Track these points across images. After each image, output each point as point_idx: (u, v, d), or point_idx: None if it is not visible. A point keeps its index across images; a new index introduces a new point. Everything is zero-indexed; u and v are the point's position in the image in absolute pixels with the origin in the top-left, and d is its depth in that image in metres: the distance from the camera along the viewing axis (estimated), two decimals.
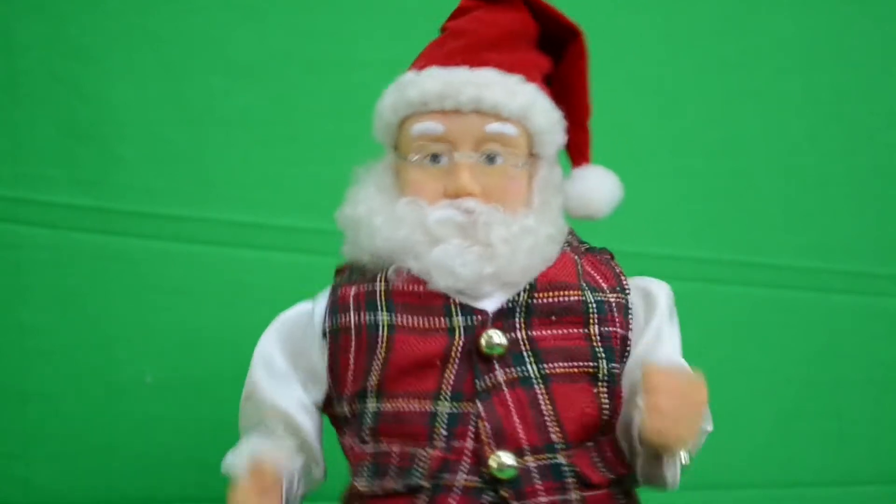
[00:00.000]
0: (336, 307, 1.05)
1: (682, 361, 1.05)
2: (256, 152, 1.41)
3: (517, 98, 1.05)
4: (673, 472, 1.00)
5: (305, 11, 1.43)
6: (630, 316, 1.05)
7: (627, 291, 1.06)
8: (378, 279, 1.04)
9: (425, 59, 1.08)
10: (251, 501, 0.97)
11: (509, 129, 1.05)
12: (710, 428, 1.04)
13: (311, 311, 1.07)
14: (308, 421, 1.06)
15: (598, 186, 1.11)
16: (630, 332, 1.05)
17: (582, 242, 1.11)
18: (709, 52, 1.62)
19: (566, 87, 1.12)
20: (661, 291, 1.07)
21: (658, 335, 1.05)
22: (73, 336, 1.33)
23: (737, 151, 1.63)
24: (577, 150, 1.13)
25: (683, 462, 0.99)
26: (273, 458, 1.01)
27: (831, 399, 1.66)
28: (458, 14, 1.12)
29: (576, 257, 1.07)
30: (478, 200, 1.03)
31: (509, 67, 1.06)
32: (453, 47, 1.08)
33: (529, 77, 1.07)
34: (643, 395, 0.94)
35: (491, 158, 1.05)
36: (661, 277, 1.09)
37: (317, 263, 1.36)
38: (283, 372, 1.06)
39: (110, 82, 1.35)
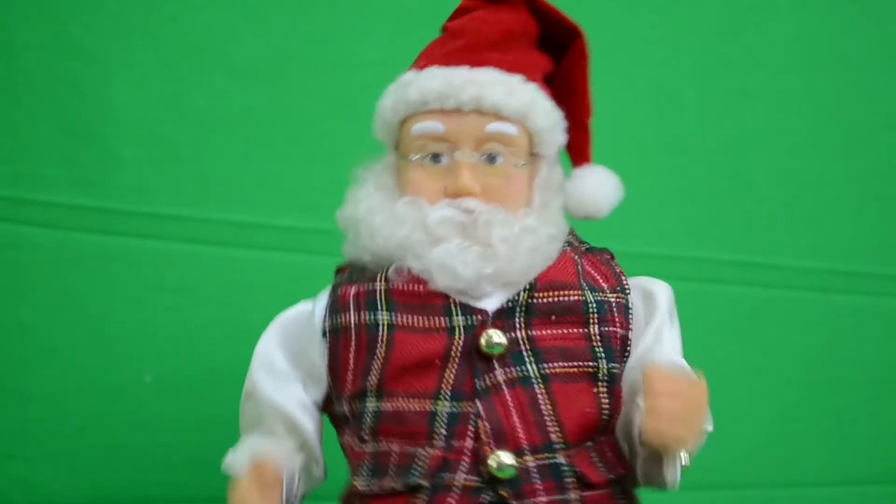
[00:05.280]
0: (336, 306, 1.05)
1: (683, 362, 1.05)
2: (256, 152, 1.41)
3: (517, 97, 1.05)
4: (673, 473, 1.00)
5: (305, 12, 1.43)
6: (630, 316, 1.05)
7: (628, 291, 1.06)
8: (378, 278, 1.04)
9: (426, 59, 1.08)
10: (252, 499, 0.98)
11: (509, 128, 1.05)
12: (710, 428, 1.03)
13: (312, 310, 1.07)
14: (308, 420, 1.06)
15: (598, 186, 1.10)
16: (630, 332, 1.05)
17: (582, 242, 1.11)
18: (709, 52, 1.62)
19: (566, 87, 1.12)
20: (662, 291, 1.07)
21: (658, 336, 1.05)
22: (73, 336, 1.33)
23: (737, 151, 1.63)
24: (577, 151, 1.12)
25: (683, 463, 0.99)
26: (273, 457, 1.01)
27: (831, 399, 1.65)
28: (458, 14, 1.12)
29: (576, 257, 1.07)
30: (478, 200, 1.03)
31: (510, 67, 1.06)
32: (454, 47, 1.08)
33: (530, 77, 1.07)
34: (643, 396, 0.94)
35: (491, 158, 1.05)
36: (661, 277, 1.09)
37: (317, 263, 1.36)
38: (284, 372, 1.06)
39: (110, 82, 1.35)
